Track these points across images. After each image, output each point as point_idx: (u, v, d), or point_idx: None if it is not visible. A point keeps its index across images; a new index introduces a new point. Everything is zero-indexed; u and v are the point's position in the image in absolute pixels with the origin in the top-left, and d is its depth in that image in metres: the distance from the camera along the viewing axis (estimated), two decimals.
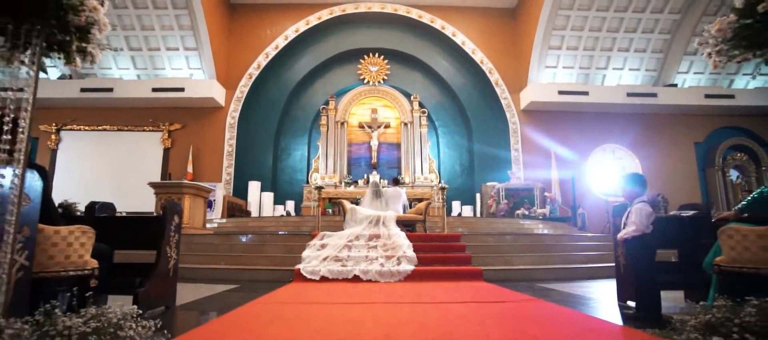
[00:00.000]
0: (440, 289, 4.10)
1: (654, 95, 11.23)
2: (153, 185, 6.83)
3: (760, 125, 11.74)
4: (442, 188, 7.15)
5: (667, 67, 11.53)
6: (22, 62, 1.72)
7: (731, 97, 11.36)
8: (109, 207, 3.26)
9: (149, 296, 2.82)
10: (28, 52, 1.65)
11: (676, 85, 11.58)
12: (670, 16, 10.96)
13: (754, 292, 1.87)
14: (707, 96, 11.35)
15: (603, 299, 3.68)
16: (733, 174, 11.82)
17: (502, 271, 5.17)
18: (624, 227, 2.80)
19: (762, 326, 1.58)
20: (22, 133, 1.57)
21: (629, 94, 11.27)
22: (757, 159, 11.71)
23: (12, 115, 2.14)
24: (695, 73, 11.68)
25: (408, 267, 4.89)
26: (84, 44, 1.64)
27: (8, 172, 1.67)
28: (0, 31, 1.50)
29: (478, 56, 11.72)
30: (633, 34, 11.20)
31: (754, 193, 2.47)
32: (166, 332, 1.88)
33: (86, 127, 11.21)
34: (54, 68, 10.98)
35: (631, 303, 3.00)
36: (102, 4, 1.69)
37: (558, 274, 5.32)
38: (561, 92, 11.20)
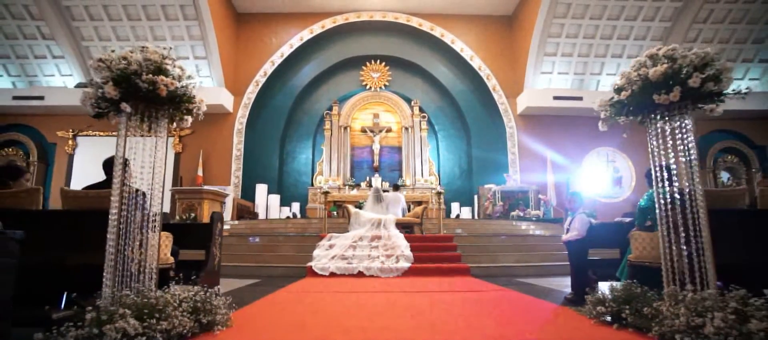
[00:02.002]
0: (431, 282, 5.12)
1: None
2: (176, 191, 7.86)
3: (750, 128, 12.65)
4: (439, 193, 8.14)
5: None
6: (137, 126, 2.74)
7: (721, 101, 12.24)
8: (164, 216, 4.28)
9: (203, 285, 3.84)
10: (147, 121, 2.66)
11: None
12: (661, 23, 11.85)
13: (647, 277, 2.87)
14: None
15: (563, 289, 4.68)
16: (724, 176, 12.75)
17: (488, 267, 6.18)
18: (567, 232, 3.80)
19: (625, 298, 2.58)
20: (155, 172, 2.57)
21: None
22: (747, 161, 12.64)
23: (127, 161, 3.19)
24: None
25: (405, 264, 5.91)
26: (186, 117, 2.65)
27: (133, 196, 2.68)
28: (141, 113, 2.50)
29: (476, 63, 12.67)
30: (625, 41, 12.10)
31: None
32: (234, 305, 2.91)
33: (101, 133, 12.27)
34: (70, 77, 12.04)
35: None
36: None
37: (538, 270, 6.32)
38: (556, 98, 12.13)
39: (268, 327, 2.75)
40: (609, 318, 2.63)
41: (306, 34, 12.66)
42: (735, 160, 12.73)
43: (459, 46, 12.73)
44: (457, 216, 11.83)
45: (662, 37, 12.04)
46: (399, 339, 2.38)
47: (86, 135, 12.32)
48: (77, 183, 11.69)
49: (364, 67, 13.10)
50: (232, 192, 11.69)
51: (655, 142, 2.60)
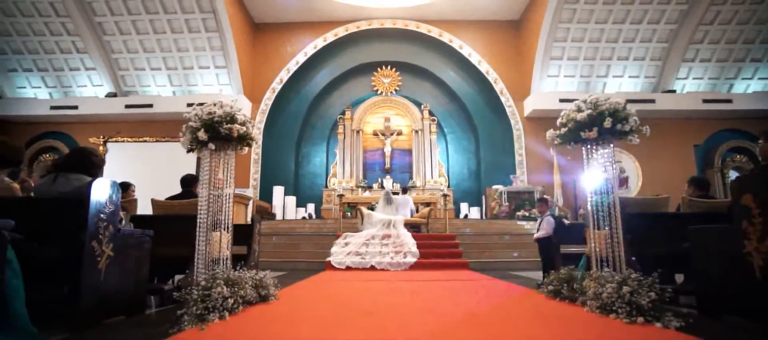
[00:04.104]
0: (433, 274, 6.26)
1: (652, 101, 12.99)
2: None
3: (759, 127, 13.32)
4: (445, 195, 9.25)
5: (666, 74, 13.24)
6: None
7: (729, 101, 13.02)
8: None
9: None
10: (221, 151, 3.86)
11: (674, 91, 13.29)
12: (667, 26, 12.65)
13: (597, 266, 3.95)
14: (705, 101, 13.04)
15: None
16: (733, 175, 13.48)
17: (486, 262, 7.29)
18: (538, 231, 4.90)
19: (564, 279, 3.68)
20: (225, 187, 3.77)
21: (629, 101, 12.91)
22: (757, 160, 13.33)
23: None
24: (694, 78, 13.35)
25: (412, 259, 7.06)
26: (245, 146, 3.85)
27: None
28: (218, 147, 3.68)
29: (484, 67, 13.69)
30: (631, 44, 12.94)
31: None
32: (278, 284, 4.11)
33: (129, 139, 13.73)
34: (101, 87, 13.50)
35: None
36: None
37: (533, 264, 7.35)
38: (562, 100, 13.03)
39: (304, 299, 3.94)
40: (554, 294, 3.74)
41: (320, 42, 13.87)
42: (744, 160, 13.44)
43: (467, 51, 13.76)
44: (466, 216, 12.90)
45: (668, 39, 12.84)
46: (401, 310, 3.53)
47: (116, 141, 13.80)
48: None
49: (375, 73, 14.26)
50: (251, 194, 13.01)
51: (588, 165, 3.68)
